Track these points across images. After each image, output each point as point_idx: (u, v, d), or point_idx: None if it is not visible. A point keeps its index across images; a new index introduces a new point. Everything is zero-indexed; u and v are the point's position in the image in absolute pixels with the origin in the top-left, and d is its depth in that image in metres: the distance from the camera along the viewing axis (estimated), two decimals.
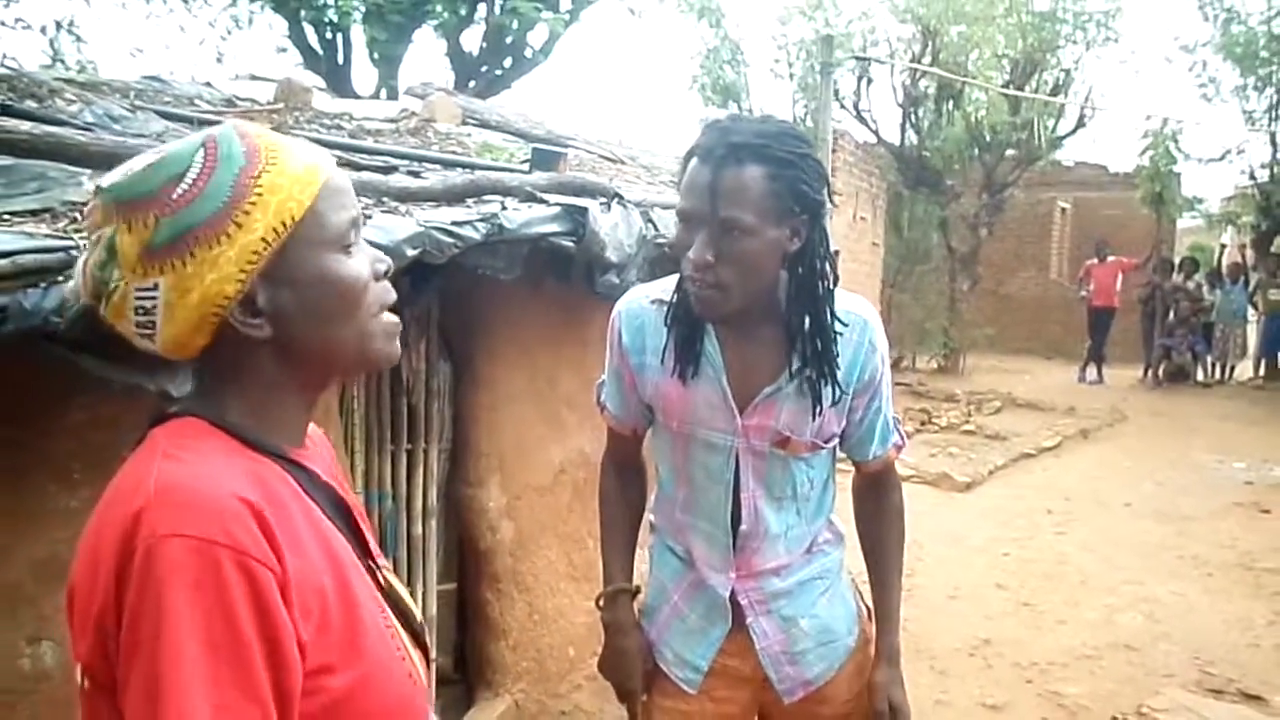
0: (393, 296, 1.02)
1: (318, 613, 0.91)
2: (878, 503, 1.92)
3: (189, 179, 0.90)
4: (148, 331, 0.92)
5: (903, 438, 1.90)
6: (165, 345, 0.93)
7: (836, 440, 1.79)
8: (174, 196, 0.89)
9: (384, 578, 1.07)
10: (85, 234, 0.96)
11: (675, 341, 1.69)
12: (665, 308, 1.71)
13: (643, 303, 1.77)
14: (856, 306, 1.73)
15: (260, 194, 0.91)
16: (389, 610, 1.04)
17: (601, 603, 1.91)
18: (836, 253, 6.06)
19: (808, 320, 1.64)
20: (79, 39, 11.19)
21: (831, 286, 1.65)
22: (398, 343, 1.04)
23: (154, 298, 0.90)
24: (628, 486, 1.99)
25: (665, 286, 1.75)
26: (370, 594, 1.01)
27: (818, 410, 1.68)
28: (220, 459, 0.92)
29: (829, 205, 1.60)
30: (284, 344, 0.95)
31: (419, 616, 1.12)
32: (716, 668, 1.87)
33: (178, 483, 0.87)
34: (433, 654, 3.25)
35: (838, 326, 1.67)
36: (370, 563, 1.06)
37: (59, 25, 10.76)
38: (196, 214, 0.89)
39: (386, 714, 0.97)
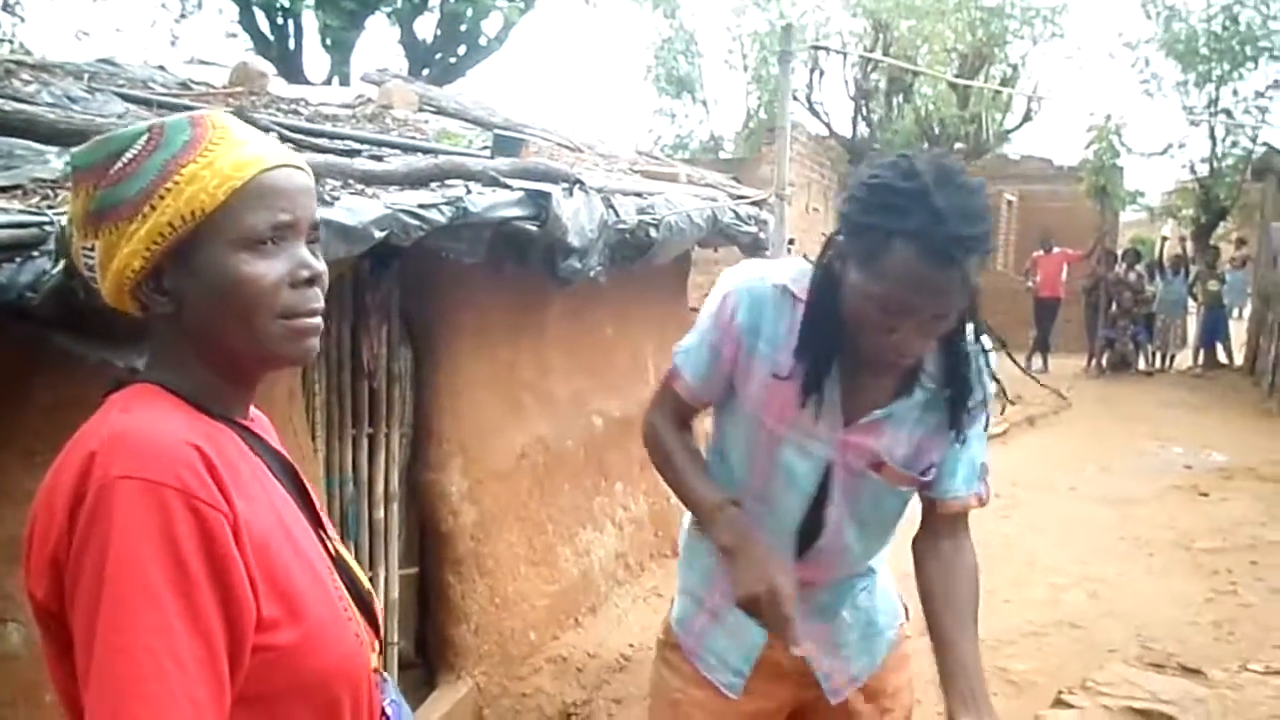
0: (309, 304, 1.02)
1: (265, 563, 0.93)
2: (956, 554, 1.68)
3: (125, 158, 0.97)
4: (93, 284, 1.01)
5: (988, 490, 1.72)
6: (106, 298, 1.01)
7: (935, 471, 1.67)
8: (110, 172, 0.97)
9: (333, 547, 1.10)
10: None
11: (810, 369, 1.58)
12: (793, 301, 1.60)
13: (768, 287, 1.63)
14: (983, 335, 1.65)
15: (178, 183, 0.96)
16: (337, 574, 1.06)
17: (712, 526, 1.66)
18: (791, 241, 6.10)
19: (954, 360, 1.58)
20: (20, 20, 10.94)
21: (979, 325, 1.60)
22: (309, 343, 1.03)
23: (92, 257, 0.99)
24: (685, 436, 1.79)
25: (790, 273, 1.63)
26: (319, 556, 1.04)
27: (955, 435, 1.61)
28: (171, 414, 0.96)
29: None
30: (187, 325, 1.00)
31: (366, 585, 1.14)
32: (760, 662, 1.79)
33: (130, 429, 0.91)
34: (386, 628, 3.27)
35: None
36: (320, 532, 1.09)
37: (4, 5, 10.50)
38: (123, 192, 0.96)
39: (331, 672, 0.99)
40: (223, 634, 0.88)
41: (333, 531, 1.14)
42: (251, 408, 1.10)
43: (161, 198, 0.95)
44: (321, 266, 1.03)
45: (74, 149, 1.01)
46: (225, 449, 0.97)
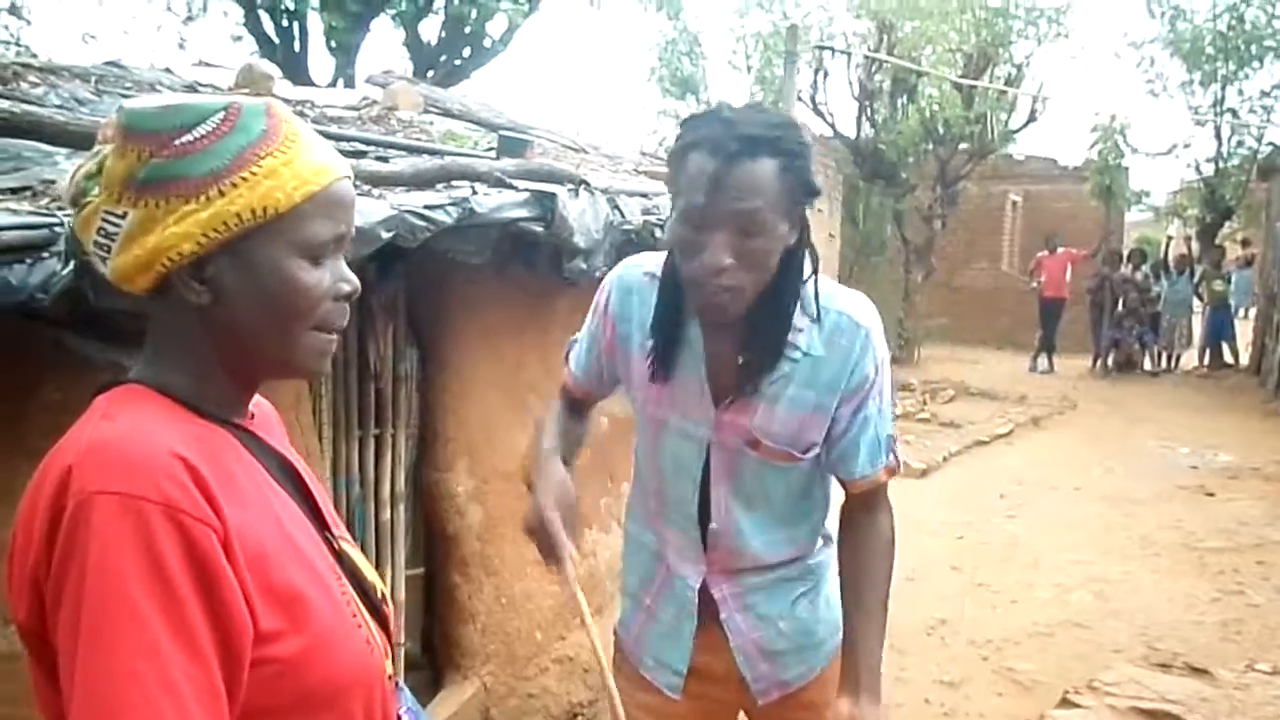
0: (343, 321, 1.01)
1: (263, 573, 0.89)
2: (865, 529, 1.69)
3: (198, 132, 0.91)
4: (102, 254, 0.93)
5: (897, 460, 1.72)
6: (113, 273, 0.94)
7: (817, 450, 1.66)
8: (176, 142, 0.90)
9: (340, 547, 1.06)
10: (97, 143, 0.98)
11: (660, 340, 1.61)
12: (657, 283, 1.62)
13: (638, 274, 1.68)
14: (855, 308, 1.62)
15: (255, 173, 0.91)
16: (345, 579, 1.02)
17: (535, 466, 1.71)
18: None
19: (784, 315, 1.56)
20: (27, 23, 10.98)
21: (806, 279, 1.57)
22: (328, 359, 1.02)
23: (119, 225, 0.91)
24: (572, 415, 1.85)
25: (656, 261, 1.66)
26: (324, 560, 1.00)
27: (757, 403, 1.60)
28: (157, 418, 0.91)
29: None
30: (216, 319, 0.95)
31: (378, 587, 1.10)
32: (694, 665, 1.80)
33: (109, 439, 0.86)
34: (398, 632, 3.27)
35: (828, 323, 1.58)
36: (326, 533, 1.05)
37: (11, 8, 10.54)
38: (188, 166, 0.90)
39: (341, 682, 0.95)
40: (216, 651, 0.84)
41: (341, 531, 1.10)
42: (254, 405, 1.07)
43: (235, 185, 0.91)
44: (358, 282, 1.02)
45: (131, 102, 0.94)
46: (219, 453, 0.93)
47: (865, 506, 1.70)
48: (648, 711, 1.80)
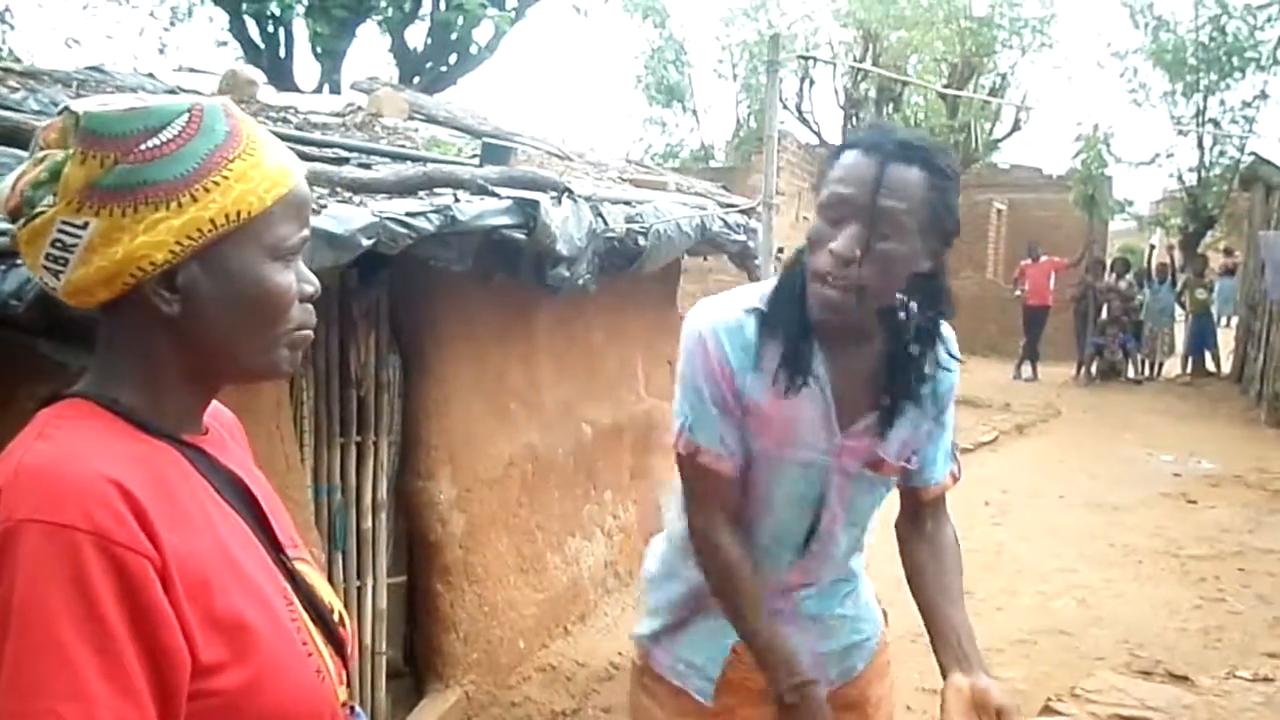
0: (312, 320, 0.99)
1: (204, 602, 0.85)
2: (938, 532, 1.70)
3: (164, 136, 0.87)
4: (56, 267, 0.87)
5: (959, 465, 1.73)
6: (68, 287, 0.88)
7: (916, 459, 1.66)
8: (141, 147, 0.86)
9: (295, 568, 1.01)
10: (34, 148, 0.91)
11: (784, 350, 1.53)
12: (760, 315, 1.57)
13: (737, 314, 1.57)
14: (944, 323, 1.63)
15: (226, 177, 0.88)
16: (298, 603, 0.98)
17: (790, 695, 1.56)
18: (780, 250, 6.12)
19: (915, 349, 1.55)
20: (10, 27, 10.92)
21: (946, 318, 1.58)
22: (299, 358, 1.00)
23: (79, 236, 0.86)
24: (745, 547, 1.64)
25: (754, 295, 1.60)
26: (273, 585, 0.95)
27: (895, 428, 1.59)
28: (97, 439, 0.87)
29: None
30: (187, 329, 0.91)
31: (336, 608, 1.05)
32: (736, 681, 1.72)
33: (40, 463, 0.81)
34: (377, 640, 3.26)
35: (940, 353, 1.59)
36: (280, 555, 1.00)
37: None
38: (157, 172, 0.86)
39: (289, 714, 0.91)
40: (150, 687, 0.79)
41: (299, 551, 1.05)
42: (211, 416, 1.03)
43: (207, 190, 0.87)
44: (319, 283, 1.00)
45: (82, 104, 0.88)
46: (164, 474, 0.89)
47: (934, 514, 1.71)
48: None
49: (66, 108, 0.89)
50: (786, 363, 1.53)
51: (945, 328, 1.62)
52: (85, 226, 0.86)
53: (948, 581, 1.64)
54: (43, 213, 0.86)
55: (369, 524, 3.20)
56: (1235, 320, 14.90)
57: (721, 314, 1.58)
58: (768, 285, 1.62)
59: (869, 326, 1.53)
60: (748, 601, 1.60)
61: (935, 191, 1.43)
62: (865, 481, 1.65)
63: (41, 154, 0.88)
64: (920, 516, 1.72)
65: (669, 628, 1.79)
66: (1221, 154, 14.99)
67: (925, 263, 1.47)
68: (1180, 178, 15.43)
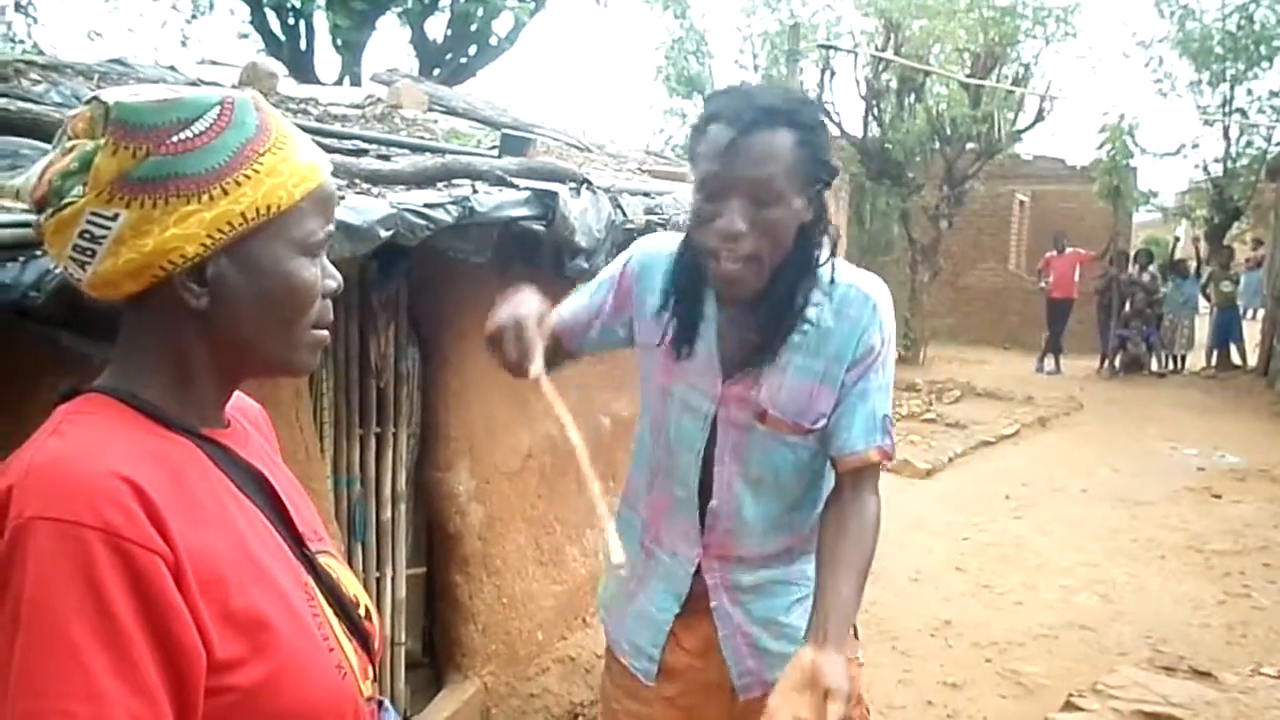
0: (330, 317, 1.00)
1: (220, 598, 0.84)
2: (850, 505, 1.62)
3: (197, 128, 0.87)
4: (83, 259, 0.87)
5: (892, 444, 1.66)
6: (94, 279, 0.88)
7: (826, 422, 1.63)
8: (174, 139, 0.86)
9: (319, 561, 1.01)
10: (61, 138, 0.90)
11: (678, 314, 1.62)
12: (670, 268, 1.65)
13: (662, 250, 1.70)
14: (865, 282, 1.65)
15: (258, 171, 0.89)
16: (319, 598, 0.97)
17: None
18: None
19: (797, 293, 1.57)
20: (34, 21, 11.01)
21: (824, 259, 1.60)
22: (319, 355, 1.00)
23: (108, 228, 0.86)
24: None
25: (680, 239, 1.69)
26: (294, 580, 0.95)
27: (769, 360, 1.59)
28: (113, 434, 0.86)
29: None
30: (213, 323, 0.91)
31: (361, 601, 1.05)
32: (679, 667, 1.76)
33: (51, 460, 0.81)
34: (382, 649, 3.26)
35: (837, 295, 1.60)
36: (304, 550, 1.00)
37: (18, 6, 10.58)
38: (189, 164, 0.86)
39: (309, 710, 0.90)
40: (166, 683, 0.79)
41: (322, 545, 1.05)
42: (235, 409, 1.03)
43: (238, 184, 0.87)
44: (341, 279, 1.00)
45: (112, 94, 0.87)
46: (182, 469, 0.88)
47: (853, 485, 1.63)
48: (627, 714, 1.80)
49: (96, 98, 0.89)
50: (679, 326, 1.63)
51: (851, 276, 1.64)
52: (115, 218, 0.85)
53: (842, 554, 1.57)
54: (72, 203, 0.86)
55: (388, 515, 3.21)
56: (1261, 313, 14.73)
57: (651, 243, 1.75)
58: None
59: (766, 285, 1.56)
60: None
61: (804, 148, 1.47)
62: (758, 436, 1.65)
63: (70, 144, 0.88)
64: (840, 486, 1.66)
65: (620, 597, 1.82)
66: (1248, 144, 14.77)
67: (808, 214, 1.53)
68: (1206, 169, 15.23)
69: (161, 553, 0.80)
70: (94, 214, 0.86)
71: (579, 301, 1.78)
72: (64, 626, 0.75)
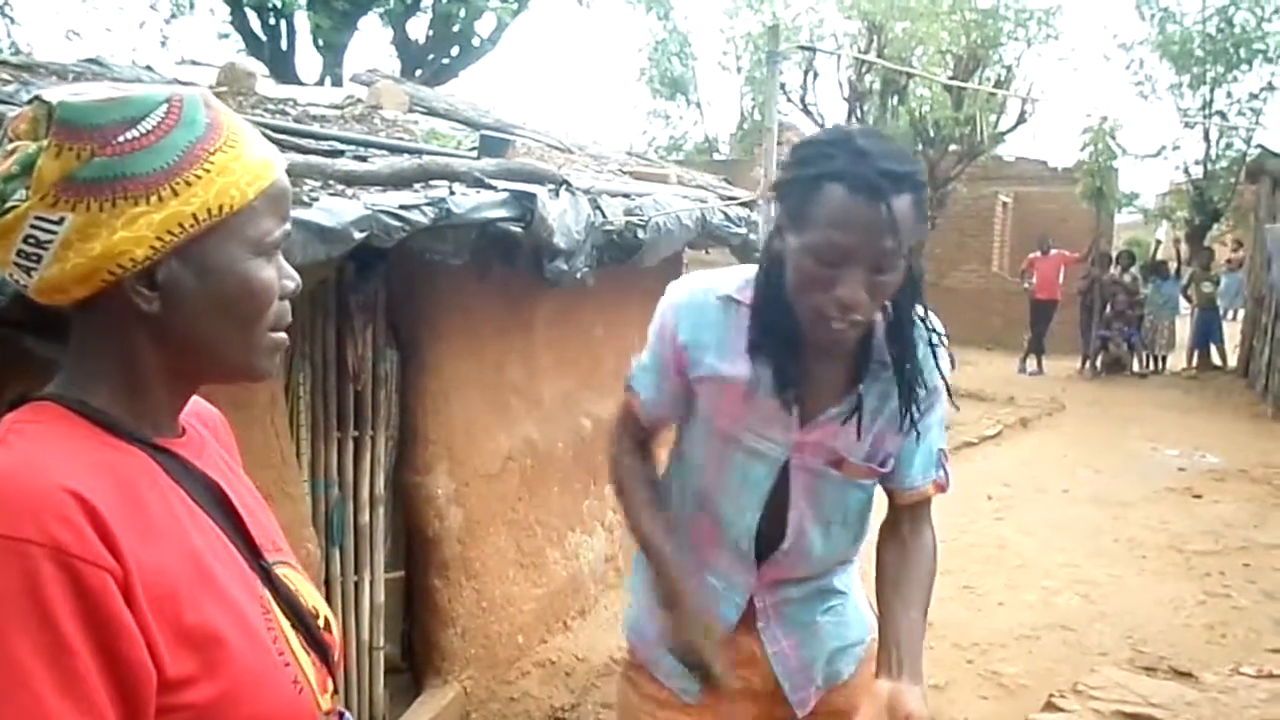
0: (289, 319, 0.97)
1: (172, 615, 0.82)
2: (912, 540, 1.68)
3: (143, 127, 0.84)
4: (29, 264, 0.84)
5: (947, 477, 1.70)
6: (41, 285, 0.85)
7: (892, 462, 1.66)
8: (119, 139, 0.83)
9: (276, 574, 0.98)
10: (1, 140, 0.87)
11: (774, 367, 1.56)
12: (737, 306, 1.59)
13: (708, 298, 1.63)
14: (929, 319, 1.63)
15: (209, 170, 0.86)
16: (275, 611, 0.95)
17: (659, 575, 1.67)
18: None
19: (902, 344, 1.56)
20: (12, 21, 10.91)
21: (926, 309, 1.59)
22: (277, 360, 0.98)
23: (54, 232, 0.82)
24: (648, 461, 1.79)
25: (734, 281, 1.63)
26: (249, 594, 0.92)
27: (908, 422, 1.59)
28: (60, 446, 0.83)
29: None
30: (166, 327, 0.88)
31: (321, 613, 1.03)
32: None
33: None
34: (375, 636, 3.24)
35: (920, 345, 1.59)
36: (260, 562, 0.97)
37: None
38: (136, 164, 0.83)
39: None
40: (115, 703, 0.77)
41: (280, 556, 1.02)
42: (192, 415, 1.00)
43: (189, 184, 0.84)
44: (299, 279, 0.97)
45: (54, 94, 0.84)
46: (132, 481, 0.86)
47: (912, 519, 1.69)
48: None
49: (38, 97, 0.86)
50: (777, 379, 1.56)
51: (936, 326, 1.61)
52: (61, 222, 0.83)
53: (907, 587, 1.63)
54: (14, 208, 0.83)
55: (366, 519, 3.19)
56: (1242, 314, 14.83)
57: (695, 293, 1.65)
58: (744, 275, 1.63)
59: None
60: (638, 504, 1.71)
61: (918, 208, 1.42)
62: (832, 481, 1.65)
63: (11, 146, 0.85)
64: (898, 519, 1.71)
65: (654, 622, 1.78)
66: (1228, 146, 14.91)
67: (908, 268, 1.48)
68: (1187, 170, 15.35)
69: (110, 569, 0.78)
70: (38, 218, 0.83)
71: (651, 387, 1.73)
72: (9, 645, 0.73)
